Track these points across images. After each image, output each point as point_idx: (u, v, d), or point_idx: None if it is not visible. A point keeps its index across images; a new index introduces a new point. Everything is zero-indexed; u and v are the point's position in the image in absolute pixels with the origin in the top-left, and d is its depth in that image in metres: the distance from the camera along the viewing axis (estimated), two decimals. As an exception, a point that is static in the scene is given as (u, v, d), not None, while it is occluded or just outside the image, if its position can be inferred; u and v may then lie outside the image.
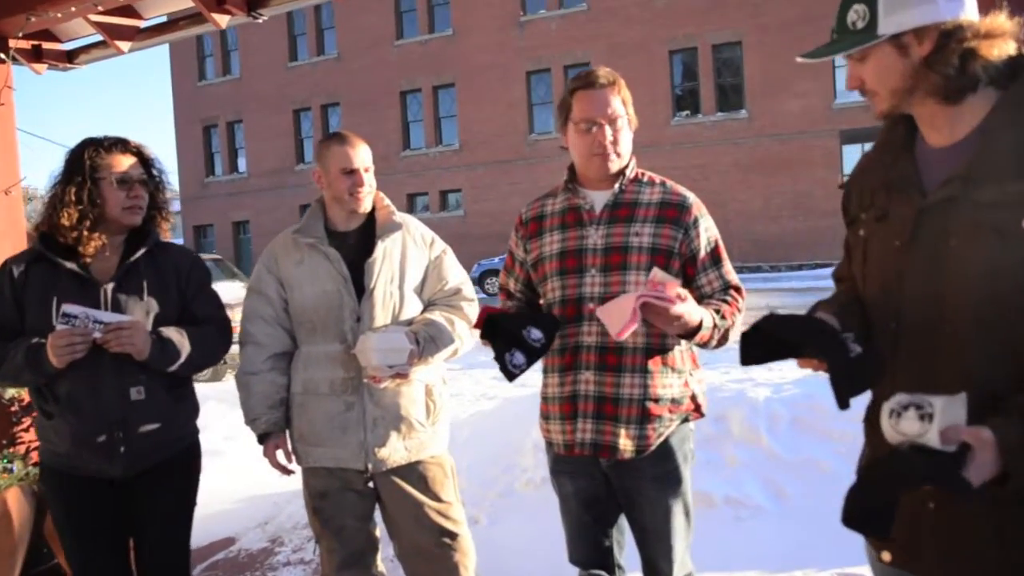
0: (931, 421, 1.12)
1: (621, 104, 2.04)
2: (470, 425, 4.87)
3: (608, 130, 2.02)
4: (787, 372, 4.97)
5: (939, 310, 1.29)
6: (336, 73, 28.18)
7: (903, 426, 1.15)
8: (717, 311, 1.98)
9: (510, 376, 1.95)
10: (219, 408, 5.84)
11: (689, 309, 1.83)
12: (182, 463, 2.37)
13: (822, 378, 4.15)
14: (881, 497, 1.17)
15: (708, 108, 23.55)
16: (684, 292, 1.83)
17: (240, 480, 4.80)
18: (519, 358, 1.95)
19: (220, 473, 4.73)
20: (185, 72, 31.34)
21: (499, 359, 1.96)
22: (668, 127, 23.34)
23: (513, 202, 25.25)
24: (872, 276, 1.44)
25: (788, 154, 22.10)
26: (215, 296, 2.44)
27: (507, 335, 1.96)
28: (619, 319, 1.79)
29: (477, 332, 2.12)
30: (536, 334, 1.95)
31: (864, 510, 1.18)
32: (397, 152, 26.63)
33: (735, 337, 1.97)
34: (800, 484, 3.62)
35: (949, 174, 1.30)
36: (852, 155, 22.40)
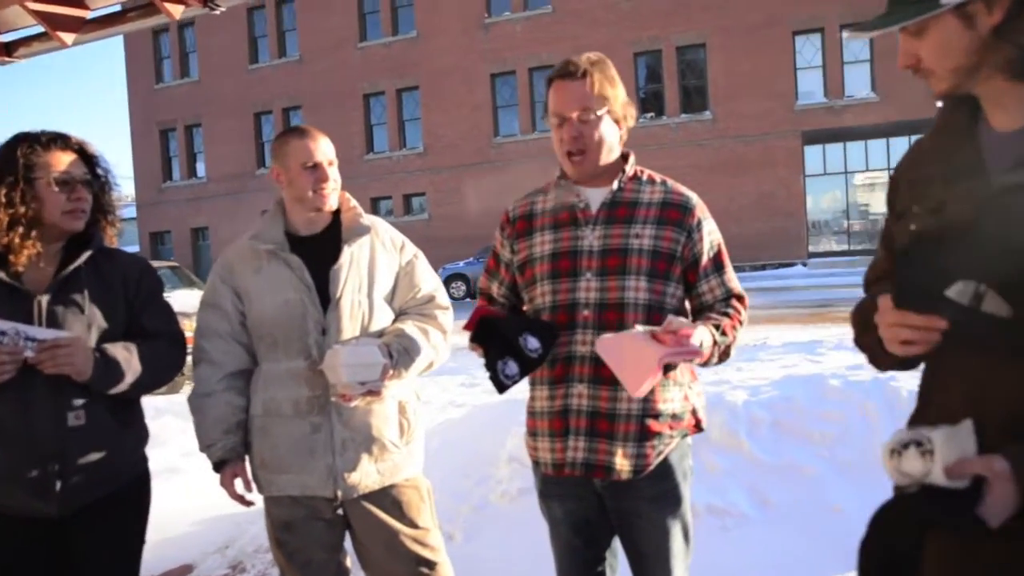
0: (932, 458, 1.04)
1: (598, 97, 1.86)
2: (439, 435, 4.72)
3: (576, 127, 1.86)
4: (764, 373, 4.91)
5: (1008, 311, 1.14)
6: (298, 76, 27.86)
7: (906, 466, 1.08)
8: (717, 326, 1.82)
9: (501, 387, 1.79)
10: (176, 423, 5.49)
11: (702, 342, 1.70)
12: (129, 498, 2.09)
13: (800, 378, 4.07)
14: (896, 548, 1.08)
15: (672, 110, 23.73)
16: (691, 327, 1.67)
17: (199, 500, 4.46)
18: (512, 368, 1.79)
19: (177, 493, 4.50)
20: (141, 74, 30.81)
21: (490, 367, 1.79)
22: (633, 129, 23.40)
23: (478, 205, 25.18)
24: None
25: (751, 155, 22.36)
26: (167, 308, 2.20)
27: (502, 341, 1.79)
28: (636, 375, 1.62)
29: (467, 334, 1.94)
30: (533, 343, 1.78)
31: (881, 565, 1.10)
32: (360, 155, 26.36)
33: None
34: (784, 490, 3.53)
35: (1021, 158, 1.17)
36: (814, 155, 22.73)
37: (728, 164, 22.82)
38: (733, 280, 1.95)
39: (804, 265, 21.97)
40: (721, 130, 22.86)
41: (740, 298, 1.94)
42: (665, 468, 1.89)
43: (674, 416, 1.89)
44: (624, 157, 1.99)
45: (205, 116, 29.53)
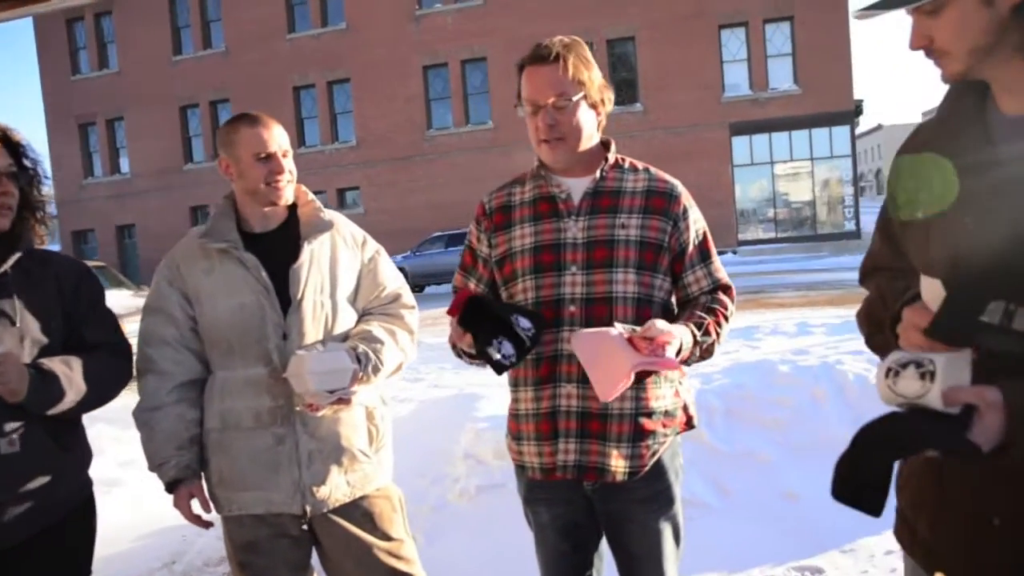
0: (932, 380, 1.02)
1: (574, 82, 1.76)
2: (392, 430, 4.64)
3: (551, 114, 1.76)
4: (714, 360, 4.99)
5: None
6: (224, 68, 27.11)
7: (901, 386, 1.05)
8: (700, 325, 1.74)
9: (500, 368, 1.66)
10: (111, 431, 5.13)
11: (678, 344, 1.62)
12: (72, 528, 1.88)
13: (749, 365, 4.15)
14: (876, 465, 1.04)
15: (604, 102, 23.95)
16: (668, 330, 1.58)
17: (141, 512, 4.23)
18: (508, 347, 1.65)
19: (117, 506, 4.27)
20: (55, 65, 29.51)
21: (482, 350, 1.65)
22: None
23: (413, 199, 24.99)
24: (939, 262, 1.22)
25: (681, 146, 22.76)
26: (111, 316, 1.99)
27: (492, 323, 1.66)
28: (607, 379, 1.55)
29: (450, 322, 1.78)
30: (526, 323, 1.66)
31: (857, 481, 1.05)
32: (292, 150, 25.63)
33: (720, 350, 1.82)
34: (742, 478, 3.59)
35: None
36: (741, 146, 23.33)
37: (659, 155, 23.18)
38: (720, 270, 1.88)
39: (734, 253, 22.55)
40: (652, 122, 23.21)
41: (727, 289, 1.87)
42: (658, 468, 1.82)
43: (667, 413, 1.82)
44: (605, 145, 1.90)
45: (127, 109, 28.49)
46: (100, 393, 1.87)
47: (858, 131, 23.77)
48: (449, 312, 1.72)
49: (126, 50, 28.42)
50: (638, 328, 1.59)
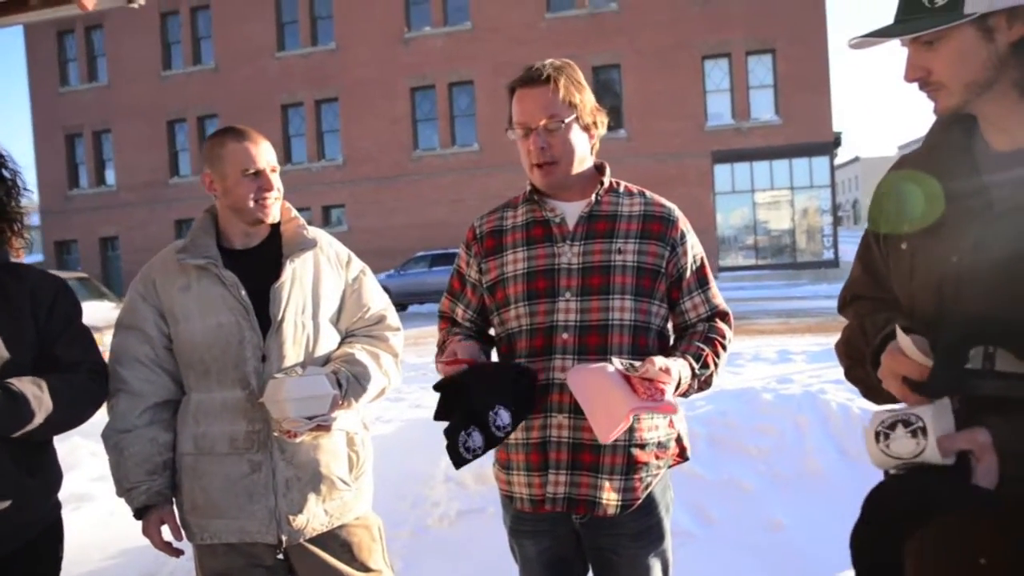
0: (925, 436, 1.02)
1: (565, 104, 1.72)
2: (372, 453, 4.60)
3: (543, 136, 1.72)
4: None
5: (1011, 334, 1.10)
6: (213, 84, 27.10)
7: (895, 448, 1.04)
8: (698, 357, 1.70)
9: (459, 461, 1.58)
10: (86, 444, 5.03)
11: (676, 381, 1.58)
12: (38, 553, 1.79)
13: (732, 392, 4.12)
14: (894, 536, 1.02)
15: (589, 128, 24.19)
16: (666, 366, 1.53)
17: (114, 529, 4.03)
18: (477, 440, 1.59)
19: (89, 523, 4.16)
20: (45, 76, 29.34)
21: (451, 436, 1.59)
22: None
23: (397, 218, 25.02)
24: (923, 294, 1.22)
25: (664, 173, 22.95)
26: (86, 334, 1.88)
27: (472, 408, 1.59)
28: (606, 421, 1.50)
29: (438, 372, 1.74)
30: (503, 419, 1.60)
31: (876, 559, 1.04)
32: (279, 166, 25.69)
33: (717, 383, 1.78)
34: (725, 506, 3.57)
35: (1019, 179, 1.12)
36: (723, 174, 23.62)
37: (643, 181, 22.29)
38: (717, 297, 1.84)
39: (715, 279, 22.76)
40: (636, 148, 23.43)
41: (724, 316, 1.82)
42: (649, 502, 1.76)
43: (660, 445, 1.76)
44: (599, 168, 1.86)
45: (115, 122, 28.36)
46: (71, 415, 1.77)
47: (836, 162, 24.16)
48: (446, 364, 1.67)
49: (116, 64, 28.34)
50: (636, 363, 1.54)
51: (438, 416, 1.64)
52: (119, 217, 28.23)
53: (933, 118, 1.29)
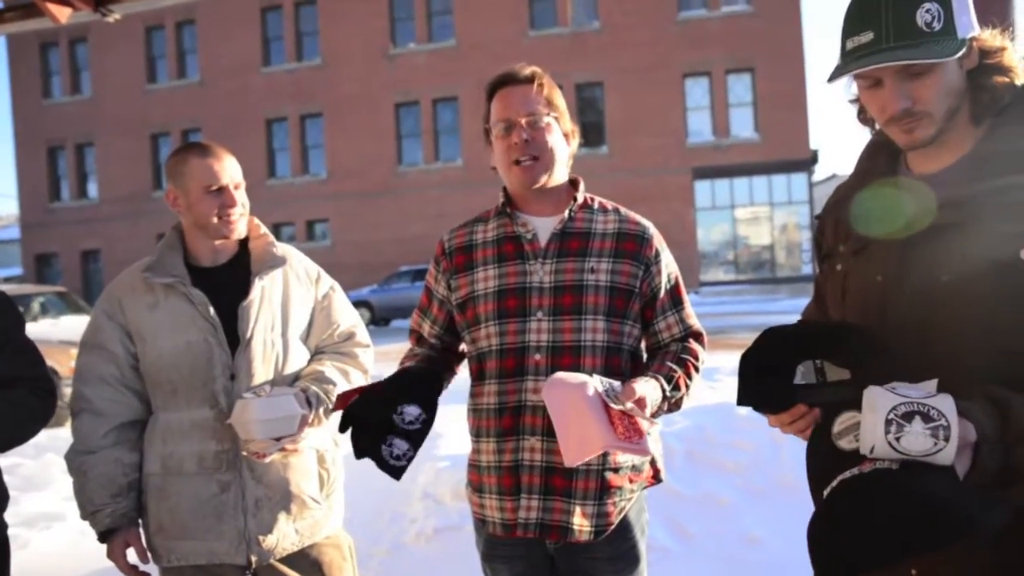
0: (947, 439, 0.91)
1: (545, 104, 1.71)
2: (344, 470, 4.57)
3: (526, 131, 1.68)
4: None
5: (929, 351, 1.13)
6: (198, 98, 27.09)
7: (907, 443, 0.92)
8: (670, 379, 1.66)
9: (396, 472, 1.55)
10: (59, 462, 4.80)
11: (651, 410, 1.56)
12: None
13: (709, 407, 4.16)
14: (889, 552, 0.88)
15: (572, 144, 24.44)
16: (643, 394, 1.51)
17: (85, 548, 3.85)
18: (401, 446, 1.56)
19: (60, 542, 4.07)
20: (27, 88, 29.20)
21: (373, 454, 1.55)
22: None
23: (381, 233, 25.07)
24: (853, 314, 1.26)
25: (645, 189, 23.14)
26: (27, 351, 1.85)
27: (376, 425, 1.56)
28: (576, 447, 1.43)
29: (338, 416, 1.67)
30: (412, 412, 1.57)
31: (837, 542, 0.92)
32: (262, 181, 25.76)
33: (695, 397, 1.80)
34: (702, 521, 3.56)
35: (939, 201, 1.15)
36: (703, 190, 23.93)
37: (624, 197, 22.96)
38: (691, 316, 1.80)
39: (696, 293, 22.97)
40: (617, 164, 23.63)
41: (698, 336, 1.79)
42: (624, 526, 1.72)
43: (634, 468, 1.72)
44: (573, 183, 1.82)
45: (98, 135, 28.26)
46: (11, 433, 1.75)
47: (815, 179, 24.55)
48: (335, 408, 1.65)
49: (100, 77, 28.27)
50: (615, 384, 1.52)
51: (359, 453, 1.57)
52: (101, 230, 28.08)
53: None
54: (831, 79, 1.17)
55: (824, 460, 1.10)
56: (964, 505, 0.88)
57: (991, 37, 1.17)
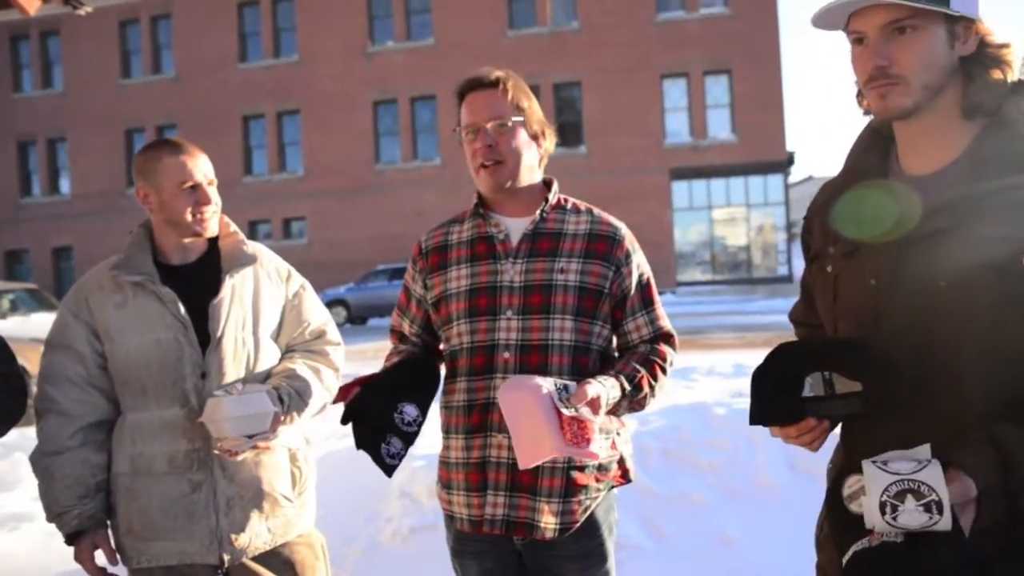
0: (940, 511, 0.95)
1: (513, 106, 1.73)
2: (321, 469, 4.51)
3: (490, 136, 1.71)
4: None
5: (927, 357, 1.12)
6: (173, 94, 26.82)
7: (905, 520, 0.96)
8: (632, 378, 1.67)
9: (390, 470, 1.61)
10: (28, 461, 4.97)
11: (603, 410, 1.57)
12: None
13: (685, 407, 4.13)
14: None
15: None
16: (596, 395, 1.53)
17: (55, 549, 3.68)
18: (396, 445, 1.62)
19: (28, 543, 3.95)
20: (-3, 82, 28.57)
21: (371, 451, 1.61)
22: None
23: (359, 231, 24.96)
24: (845, 318, 1.25)
25: (623, 189, 23.27)
26: (1, 346, 1.84)
27: (377, 420, 1.62)
28: (529, 450, 1.46)
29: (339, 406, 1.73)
30: (411, 413, 1.64)
31: None
32: (238, 178, 25.57)
33: (656, 402, 1.76)
34: (676, 520, 3.54)
35: (935, 205, 1.13)
36: (680, 190, 24.09)
37: (601, 197, 23.26)
38: (662, 318, 1.81)
39: (673, 293, 23.10)
40: (595, 165, 23.73)
41: (668, 337, 1.80)
42: (591, 524, 1.73)
43: (600, 467, 1.73)
44: (547, 184, 1.84)
45: (70, 130, 27.88)
46: None
47: (791, 180, 24.84)
48: (336, 401, 1.71)
49: (72, 71, 27.89)
50: (571, 385, 1.54)
51: (359, 444, 1.63)
52: (73, 227, 27.69)
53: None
54: (816, 17, 1.16)
55: (842, 516, 1.09)
56: (966, 574, 0.94)
57: (996, 30, 1.14)
